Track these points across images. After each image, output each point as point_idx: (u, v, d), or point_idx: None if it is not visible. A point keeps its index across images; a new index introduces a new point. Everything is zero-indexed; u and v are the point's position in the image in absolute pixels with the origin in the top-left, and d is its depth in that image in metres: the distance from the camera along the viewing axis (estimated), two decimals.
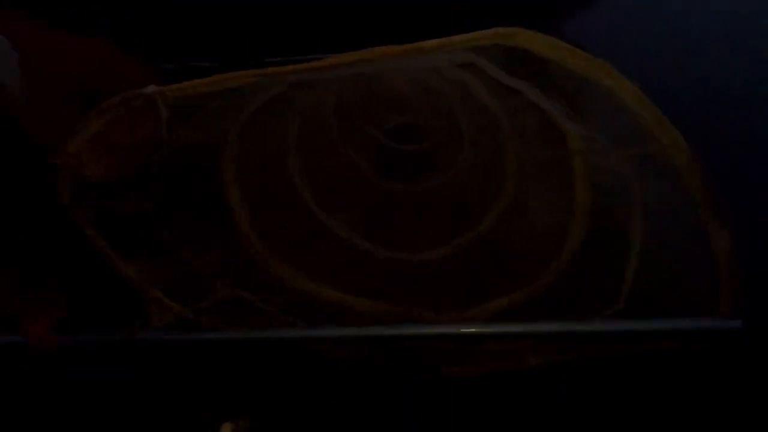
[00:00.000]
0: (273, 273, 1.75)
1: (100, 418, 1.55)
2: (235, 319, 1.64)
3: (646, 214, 1.30)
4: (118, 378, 1.58)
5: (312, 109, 1.88)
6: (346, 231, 1.92)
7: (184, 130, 1.46)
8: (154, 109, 1.29)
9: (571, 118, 1.29)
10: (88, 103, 1.38)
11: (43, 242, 1.53)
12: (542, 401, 1.56)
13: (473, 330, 1.49)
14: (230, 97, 1.42)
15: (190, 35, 2.72)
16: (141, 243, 1.55)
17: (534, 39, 1.06)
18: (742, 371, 1.49)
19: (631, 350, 1.44)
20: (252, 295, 1.73)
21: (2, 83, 1.23)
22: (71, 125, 1.35)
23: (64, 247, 1.54)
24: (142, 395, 1.58)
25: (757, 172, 2.01)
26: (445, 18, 2.10)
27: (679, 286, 1.26)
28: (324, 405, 1.58)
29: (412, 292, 1.76)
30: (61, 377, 1.61)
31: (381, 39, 1.52)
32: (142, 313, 1.55)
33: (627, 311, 1.41)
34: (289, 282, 1.80)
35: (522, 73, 1.17)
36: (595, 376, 1.53)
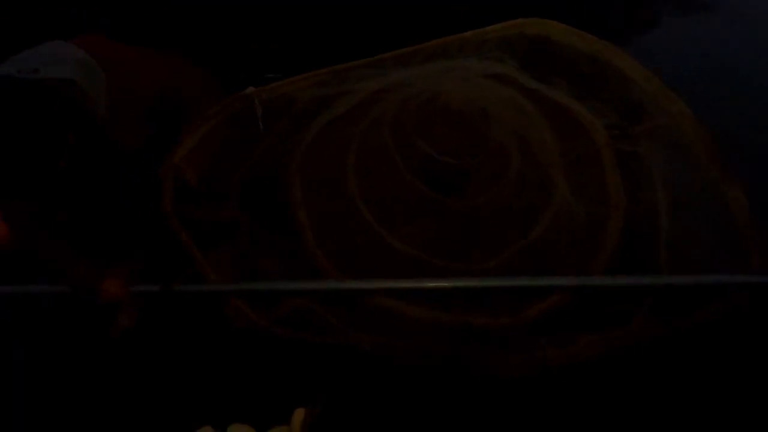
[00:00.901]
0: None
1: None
2: (305, 327, 1.78)
3: (666, 187, 1.36)
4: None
5: (370, 131, 2.03)
6: (404, 245, 2.04)
7: (254, 153, 1.64)
8: (250, 110, 1.49)
9: (587, 98, 1.38)
10: (165, 111, 1.60)
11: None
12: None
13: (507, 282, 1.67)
14: (296, 117, 1.61)
15: (260, 51, 3.00)
16: (225, 252, 1.73)
17: (549, 25, 1.19)
18: None
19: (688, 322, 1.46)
20: (320, 306, 1.87)
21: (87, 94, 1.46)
22: (148, 131, 1.57)
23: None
24: (216, 381, 1.73)
25: None
26: None
27: (709, 253, 1.31)
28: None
29: (469, 299, 1.85)
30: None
31: None
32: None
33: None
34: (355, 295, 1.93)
35: (543, 63, 1.28)
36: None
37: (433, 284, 1.66)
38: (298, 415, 1.60)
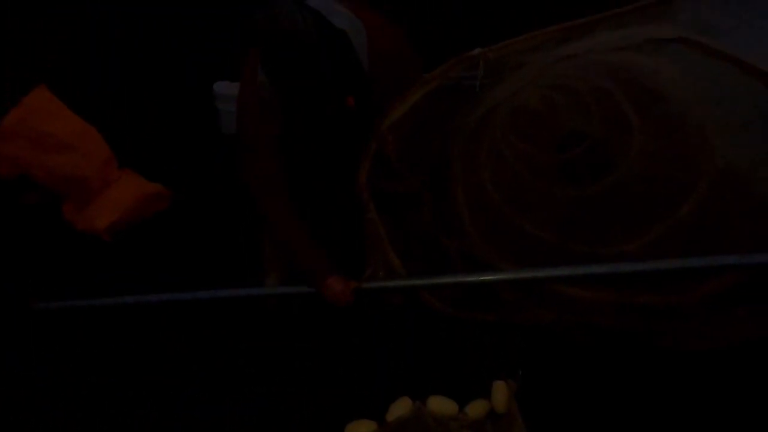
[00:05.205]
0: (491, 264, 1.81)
1: None
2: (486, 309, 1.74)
3: None
4: None
5: (496, 125, 1.95)
6: (537, 228, 1.96)
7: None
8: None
9: None
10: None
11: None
12: None
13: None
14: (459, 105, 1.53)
15: None
16: (403, 227, 1.62)
17: None
18: None
19: None
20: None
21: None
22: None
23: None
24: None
25: None
26: None
27: None
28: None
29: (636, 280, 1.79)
30: None
31: None
32: None
33: None
34: None
35: None
36: None
37: (604, 270, 1.61)
38: (500, 387, 1.60)
